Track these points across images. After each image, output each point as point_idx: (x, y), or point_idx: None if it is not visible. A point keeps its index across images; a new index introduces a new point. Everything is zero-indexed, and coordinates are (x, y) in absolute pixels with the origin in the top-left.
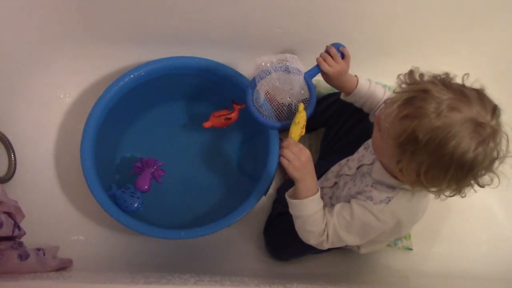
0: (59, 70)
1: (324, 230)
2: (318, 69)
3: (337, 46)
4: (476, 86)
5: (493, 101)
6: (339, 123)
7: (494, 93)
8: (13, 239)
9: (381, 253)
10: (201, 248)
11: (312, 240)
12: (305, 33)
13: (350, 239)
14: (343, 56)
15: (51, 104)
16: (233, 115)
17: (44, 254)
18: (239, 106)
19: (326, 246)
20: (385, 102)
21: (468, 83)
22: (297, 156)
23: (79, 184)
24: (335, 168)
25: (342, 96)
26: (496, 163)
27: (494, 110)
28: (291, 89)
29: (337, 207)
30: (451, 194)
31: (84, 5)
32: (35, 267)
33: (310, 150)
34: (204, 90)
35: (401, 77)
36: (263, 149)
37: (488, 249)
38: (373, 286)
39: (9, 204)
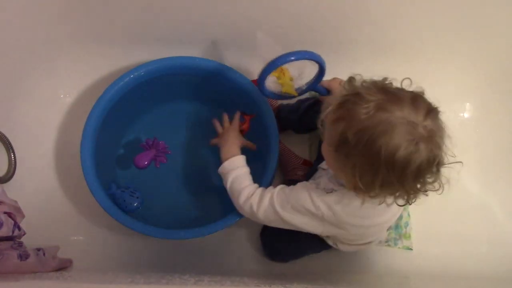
0: (59, 70)
1: (252, 194)
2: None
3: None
4: (416, 89)
5: (431, 104)
6: None
7: (492, 93)
8: (13, 239)
9: (381, 253)
10: (201, 248)
11: (241, 200)
12: (305, 33)
13: (284, 215)
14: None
15: (51, 104)
16: (245, 127)
17: (44, 254)
18: (250, 117)
19: (258, 215)
20: (321, 108)
21: (411, 88)
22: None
23: (79, 184)
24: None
25: None
26: (438, 167)
27: (429, 112)
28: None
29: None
30: (400, 202)
31: (84, 5)
32: (35, 267)
33: (310, 150)
34: (204, 90)
35: (342, 84)
36: (263, 149)
37: (488, 249)
38: (373, 286)
39: (9, 204)
